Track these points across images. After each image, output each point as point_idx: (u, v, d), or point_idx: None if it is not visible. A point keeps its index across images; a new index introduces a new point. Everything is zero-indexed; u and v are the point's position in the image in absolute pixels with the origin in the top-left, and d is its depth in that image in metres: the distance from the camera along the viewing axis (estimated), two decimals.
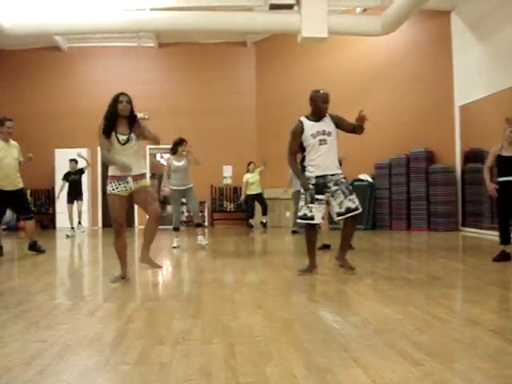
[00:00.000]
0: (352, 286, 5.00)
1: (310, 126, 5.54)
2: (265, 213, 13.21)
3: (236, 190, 15.95)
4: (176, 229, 8.89)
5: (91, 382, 2.52)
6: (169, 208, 12.01)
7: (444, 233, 10.88)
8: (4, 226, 13.30)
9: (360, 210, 5.56)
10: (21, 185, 8.00)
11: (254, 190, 13.14)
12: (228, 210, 15.98)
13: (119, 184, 5.19)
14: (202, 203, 13.28)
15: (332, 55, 13.99)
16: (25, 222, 8.49)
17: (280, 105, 15.33)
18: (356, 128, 5.60)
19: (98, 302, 4.51)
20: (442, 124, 11.71)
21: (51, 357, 2.83)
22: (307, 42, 11.00)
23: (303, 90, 14.51)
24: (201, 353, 2.89)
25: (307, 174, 5.54)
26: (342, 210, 5.48)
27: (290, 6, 10.53)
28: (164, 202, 11.67)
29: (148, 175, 11.11)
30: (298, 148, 5.64)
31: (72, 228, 12.15)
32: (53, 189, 15.20)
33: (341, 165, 5.83)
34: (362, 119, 5.46)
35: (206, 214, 15.61)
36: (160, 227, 5.66)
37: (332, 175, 5.51)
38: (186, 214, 14.29)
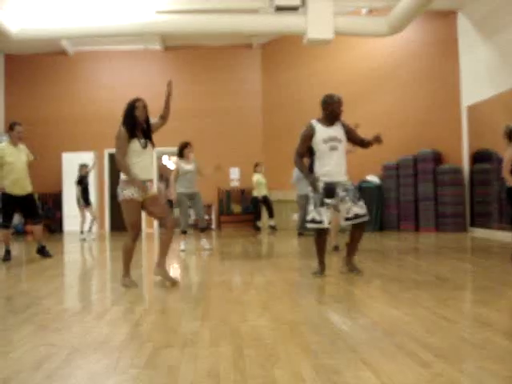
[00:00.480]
0: (360, 288, 4.99)
1: (321, 131, 5.52)
2: (271, 215, 13.21)
3: (243, 192, 15.95)
4: (184, 232, 8.93)
5: None
6: (175, 211, 12.02)
7: (452, 233, 10.83)
8: (12, 230, 13.38)
9: (367, 218, 5.56)
10: (30, 189, 8.04)
11: (264, 191, 13.17)
12: (235, 212, 15.98)
13: (144, 185, 5.25)
14: (209, 207, 13.26)
15: (338, 56, 13.98)
16: (32, 227, 8.49)
17: (286, 106, 15.34)
18: (364, 144, 5.72)
19: (106, 306, 4.51)
20: (449, 124, 11.67)
21: (60, 360, 2.84)
22: (313, 43, 10.99)
23: (309, 91, 14.69)
24: (209, 355, 2.88)
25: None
26: (350, 215, 5.47)
27: (295, 8, 10.52)
28: (171, 205, 11.67)
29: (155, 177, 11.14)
30: (306, 151, 5.63)
31: (82, 232, 12.18)
32: (60, 193, 15.26)
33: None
34: (378, 141, 5.54)
35: (213, 216, 15.62)
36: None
37: (340, 181, 5.53)
38: (192, 217, 14.30)
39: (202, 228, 9.22)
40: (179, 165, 8.81)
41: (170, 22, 11.00)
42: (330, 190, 5.45)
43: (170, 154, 15.49)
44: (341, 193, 5.47)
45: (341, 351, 2.90)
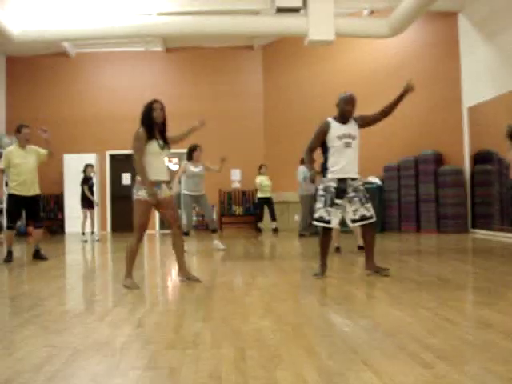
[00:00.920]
0: (362, 289, 4.99)
1: (336, 127, 5.55)
2: (273, 218, 13.18)
3: (245, 194, 15.96)
4: (186, 233, 8.94)
5: None
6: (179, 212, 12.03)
7: (454, 235, 10.83)
8: (15, 232, 13.37)
9: (374, 219, 5.56)
10: (37, 191, 8.06)
11: (266, 193, 13.14)
12: (237, 213, 15.97)
13: (157, 191, 5.28)
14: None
15: (339, 58, 13.99)
16: (33, 230, 8.49)
17: (287, 108, 15.35)
18: (389, 108, 5.77)
19: (107, 307, 4.51)
20: (450, 125, 11.66)
21: (61, 362, 2.84)
22: (314, 44, 11.01)
23: (310, 92, 14.70)
24: (211, 357, 2.88)
25: (329, 176, 5.53)
26: (356, 217, 5.48)
27: (296, 9, 10.54)
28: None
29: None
30: (317, 146, 5.67)
31: (83, 233, 12.19)
32: (62, 194, 15.28)
33: None
34: (410, 89, 5.66)
35: (214, 218, 15.62)
36: (165, 231, 5.71)
37: (352, 180, 5.52)
38: (195, 218, 14.30)
39: (214, 229, 9.24)
40: (187, 167, 8.84)
41: (171, 23, 11.02)
42: (342, 191, 5.46)
43: (170, 156, 15.48)
44: (350, 193, 5.48)
45: (342, 352, 2.89)
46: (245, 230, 15.10)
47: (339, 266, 6.82)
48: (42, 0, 10.99)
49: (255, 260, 7.95)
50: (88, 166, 12.50)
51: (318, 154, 5.73)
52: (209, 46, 16.18)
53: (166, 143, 5.41)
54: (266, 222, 13.90)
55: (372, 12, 12.40)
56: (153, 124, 5.30)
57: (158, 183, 5.30)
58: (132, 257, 5.38)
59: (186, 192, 8.82)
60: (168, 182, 5.49)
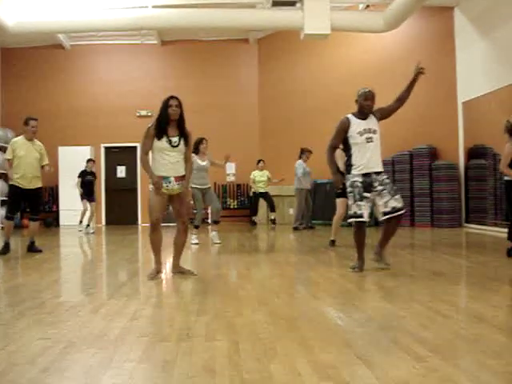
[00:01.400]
0: (356, 283, 5.00)
1: (356, 123, 5.56)
2: (272, 209, 13.09)
3: (239, 187, 15.95)
4: (197, 226, 8.99)
5: (95, 380, 2.52)
6: None
7: (448, 229, 10.86)
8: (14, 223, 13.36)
9: (405, 210, 5.59)
10: (39, 184, 8.07)
11: (260, 189, 13.02)
12: (231, 207, 15.96)
13: (162, 183, 5.34)
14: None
15: (335, 52, 13.96)
16: (30, 222, 8.50)
17: (282, 102, 15.32)
18: (404, 94, 5.86)
19: (102, 300, 4.51)
20: (445, 120, 11.68)
21: (55, 354, 2.84)
22: (310, 38, 11.00)
23: (306, 87, 14.69)
24: (205, 350, 2.89)
25: (353, 172, 5.54)
26: (388, 209, 5.48)
27: (292, 3, 10.52)
28: None
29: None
30: (339, 144, 5.70)
31: (81, 222, 12.33)
32: (56, 186, 15.24)
33: None
34: (421, 72, 5.80)
35: (209, 211, 15.61)
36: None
37: (376, 174, 5.52)
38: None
39: (216, 221, 9.27)
40: (195, 160, 8.84)
41: (166, 16, 10.98)
42: (368, 185, 5.48)
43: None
44: (378, 187, 5.50)
45: (336, 346, 2.91)
46: (239, 223, 15.09)
47: (333, 260, 6.84)
48: None
49: (249, 253, 7.96)
50: (88, 161, 12.63)
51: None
52: (204, 39, 16.11)
53: (185, 140, 5.44)
54: (261, 216, 13.91)
55: (367, 6, 12.38)
56: (167, 120, 5.36)
57: (165, 177, 5.34)
58: (154, 247, 5.55)
59: (193, 185, 8.85)
60: (182, 178, 5.47)
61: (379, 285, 4.91)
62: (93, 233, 12.43)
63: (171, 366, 2.63)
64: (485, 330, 3.17)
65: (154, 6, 10.98)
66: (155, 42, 16.03)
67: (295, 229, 11.73)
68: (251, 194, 13.60)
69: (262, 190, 12.96)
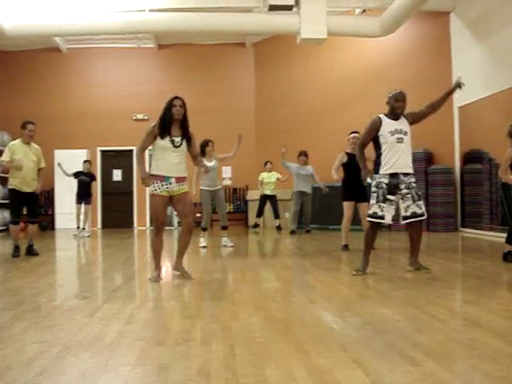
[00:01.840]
0: (351, 287, 5.00)
1: (388, 124, 5.59)
2: (277, 216, 13.02)
3: (236, 191, 15.95)
4: (205, 229, 8.97)
5: (91, 383, 2.51)
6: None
7: (443, 233, 10.88)
8: (4, 227, 13.34)
9: (425, 217, 5.60)
10: (36, 187, 8.09)
11: (268, 191, 12.91)
12: (227, 211, 15.91)
13: (162, 185, 5.36)
14: (201, 205, 13.33)
15: (331, 56, 14.00)
16: (27, 225, 8.52)
17: (279, 106, 15.35)
18: (438, 102, 6.08)
19: (97, 303, 4.51)
20: (441, 125, 11.68)
21: (51, 358, 2.83)
22: (306, 43, 11.00)
23: (302, 91, 14.71)
24: (200, 354, 2.89)
25: (381, 171, 5.56)
26: (408, 213, 5.50)
27: (289, 7, 10.52)
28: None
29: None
30: (368, 142, 5.72)
31: (78, 228, 12.27)
32: (52, 189, 15.22)
33: None
34: (459, 86, 5.90)
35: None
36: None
37: (404, 175, 5.54)
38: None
39: (224, 226, 9.23)
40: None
41: (163, 20, 10.99)
42: (394, 187, 5.48)
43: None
44: (404, 190, 5.51)
45: (332, 350, 2.91)
46: (235, 227, 15.08)
47: (328, 264, 6.84)
48: None
49: (245, 257, 7.96)
50: (85, 162, 12.63)
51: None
52: (201, 43, 16.14)
53: (187, 140, 5.48)
54: (266, 220, 13.92)
55: (364, 11, 12.41)
56: (171, 120, 5.39)
57: (166, 178, 5.35)
58: (154, 251, 5.56)
59: (203, 188, 8.86)
60: (183, 179, 5.48)
61: (375, 289, 4.91)
62: (88, 236, 12.40)
63: (167, 370, 2.62)
64: (480, 334, 3.17)
65: (150, 10, 10.99)
66: (152, 45, 16.06)
67: (292, 232, 11.72)
68: (258, 197, 13.42)
69: (268, 193, 12.81)
